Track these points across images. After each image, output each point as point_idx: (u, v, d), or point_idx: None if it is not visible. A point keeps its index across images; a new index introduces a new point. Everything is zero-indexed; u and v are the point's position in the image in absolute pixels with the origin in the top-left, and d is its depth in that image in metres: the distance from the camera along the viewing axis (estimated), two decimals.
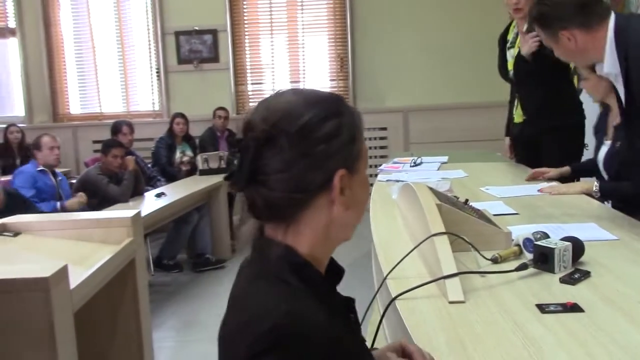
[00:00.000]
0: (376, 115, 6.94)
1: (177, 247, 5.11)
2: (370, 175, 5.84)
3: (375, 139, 6.99)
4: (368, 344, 1.44)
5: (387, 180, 2.96)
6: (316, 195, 0.92)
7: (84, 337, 2.05)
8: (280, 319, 0.83)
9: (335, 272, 1.02)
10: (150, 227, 4.40)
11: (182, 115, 5.90)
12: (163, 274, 5.01)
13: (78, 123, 7.11)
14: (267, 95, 0.98)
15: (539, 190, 2.55)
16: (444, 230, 1.59)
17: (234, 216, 6.20)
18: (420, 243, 1.60)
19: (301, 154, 0.90)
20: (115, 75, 7.17)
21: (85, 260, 1.87)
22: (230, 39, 6.99)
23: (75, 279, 1.66)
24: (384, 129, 6.97)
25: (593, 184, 2.44)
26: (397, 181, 2.85)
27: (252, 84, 7.24)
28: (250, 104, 7.23)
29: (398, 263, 1.57)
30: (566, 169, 2.83)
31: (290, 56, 7.17)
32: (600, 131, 2.86)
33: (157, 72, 7.05)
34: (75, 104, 7.30)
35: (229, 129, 6.34)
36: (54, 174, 4.65)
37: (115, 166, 4.65)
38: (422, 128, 6.92)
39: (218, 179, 5.34)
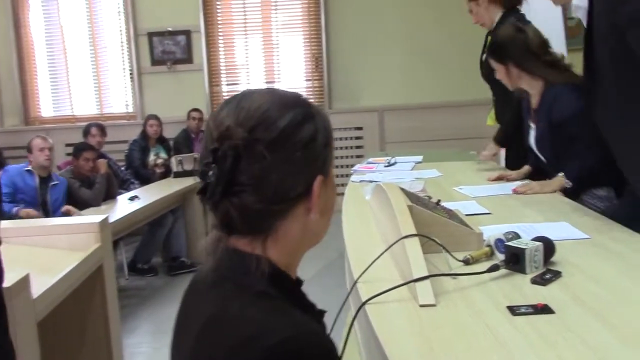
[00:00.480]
0: (351, 115, 6.93)
1: (152, 250, 5.05)
2: (345, 176, 5.84)
3: (350, 138, 6.97)
4: (339, 350, 1.43)
5: (361, 181, 2.94)
6: (296, 204, 0.89)
7: (50, 345, 2.00)
8: (288, 332, 0.79)
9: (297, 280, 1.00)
10: (123, 230, 4.34)
11: (156, 117, 5.83)
12: (137, 278, 4.95)
13: (50, 126, 6.99)
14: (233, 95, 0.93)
15: (512, 190, 2.54)
16: (414, 232, 1.57)
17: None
18: (391, 246, 1.58)
19: (281, 161, 0.86)
20: (87, 77, 7.08)
21: (50, 268, 1.82)
22: (204, 40, 6.94)
23: (39, 288, 1.62)
24: (360, 128, 6.97)
25: (562, 178, 2.46)
26: (371, 182, 2.83)
27: (227, 84, 7.19)
28: None
29: (368, 267, 1.55)
30: (526, 168, 2.83)
31: (265, 56, 7.14)
32: (526, 116, 2.83)
33: (130, 74, 6.97)
34: (47, 107, 7.19)
35: (204, 130, 6.28)
36: (46, 179, 4.45)
37: (87, 170, 4.58)
38: (397, 127, 6.92)
39: (192, 181, 5.29)
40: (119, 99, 7.14)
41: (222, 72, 7.13)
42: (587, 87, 2.10)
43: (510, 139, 3.16)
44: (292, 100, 0.91)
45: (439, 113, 6.83)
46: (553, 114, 2.52)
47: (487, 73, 3.57)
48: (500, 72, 2.69)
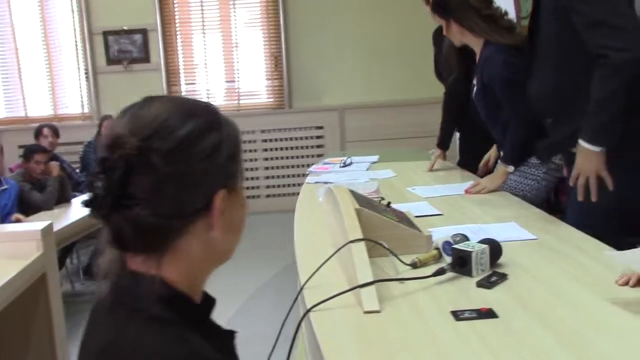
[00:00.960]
0: (312, 114, 6.90)
1: None
2: (302, 175, 5.82)
3: (311, 138, 6.95)
4: (283, 358, 1.40)
5: (316, 182, 2.92)
6: (194, 220, 0.82)
7: None
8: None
9: (207, 301, 0.94)
10: (77, 234, 4.25)
11: (112, 118, 5.71)
12: (93, 283, 4.84)
13: (2, 127, 6.78)
14: (134, 106, 0.86)
15: (465, 191, 2.54)
16: (361, 237, 1.55)
17: None
18: (337, 251, 1.56)
19: (178, 174, 0.79)
20: (41, 77, 6.89)
21: None
22: (161, 39, 6.82)
23: None
24: (320, 127, 6.94)
25: (502, 166, 2.54)
26: (325, 183, 2.81)
27: (186, 84, 7.09)
28: None
29: (313, 273, 1.52)
30: (497, 169, 2.79)
31: (224, 55, 7.05)
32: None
33: (85, 74, 6.82)
34: None
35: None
36: None
37: (39, 172, 4.46)
38: (358, 126, 6.92)
39: None
40: (74, 100, 6.98)
41: (180, 71, 7.03)
42: (527, 61, 2.19)
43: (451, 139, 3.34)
44: (196, 109, 0.86)
45: (399, 111, 6.85)
46: (483, 75, 2.56)
47: (439, 71, 3.65)
48: (444, 28, 2.70)
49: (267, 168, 7.02)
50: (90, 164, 5.51)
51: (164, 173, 0.79)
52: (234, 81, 7.06)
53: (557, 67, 2.07)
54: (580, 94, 1.95)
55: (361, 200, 1.84)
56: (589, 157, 1.92)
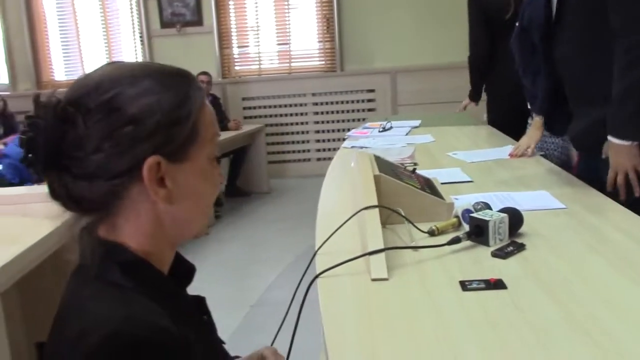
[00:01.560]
0: (364, 77, 6.83)
1: None
2: (339, 140, 5.78)
3: (362, 101, 6.88)
4: (292, 323, 1.40)
5: (352, 147, 2.89)
6: (127, 185, 0.81)
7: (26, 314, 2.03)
8: (118, 326, 0.73)
9: (185, 270, 0.94)
10: None
11: None
12: None
13: (63, 90, 6.99)
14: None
15: (509, 155, 2.50)
16: (376, 203, 1.53)
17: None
18: (350, 218, 1.54)
19: (103, 136, 0.79)
20: (98, 40, 7.06)
21: (19, 237, 1.82)
22: (214, 1, 6.85)
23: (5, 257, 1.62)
24: (372, 90, 6.87)
25: (536, 117, 2.52)
26: (362, 148, 2.78)
27: (238, 47, 7.12)
28: (236, 68, 7.12)
29: (327, 239, 1.51)
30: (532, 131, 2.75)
31: (277, 18, 7.03)
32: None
33: (140, 37, 6.93)
34: (59, 71, 7.21)
35: (213, 93, 6.24)
36: None
37: None
38: (410, 89, 6.81)
39: None
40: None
41: (232, 34, 7.05)
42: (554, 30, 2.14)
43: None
44: (143, 72, 0.83)
45: (451, 74, 6.66)
46: (524, 17, 2.50)
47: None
48: None
49: (317, 132, 7.01)
50: None
51: (90, 133, 0.79)
52: (286, 44, 7.04)
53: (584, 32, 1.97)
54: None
55: (384, 166, 1.81)
56: (620, 152, 1.81)
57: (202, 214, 0.89)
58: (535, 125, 2.53)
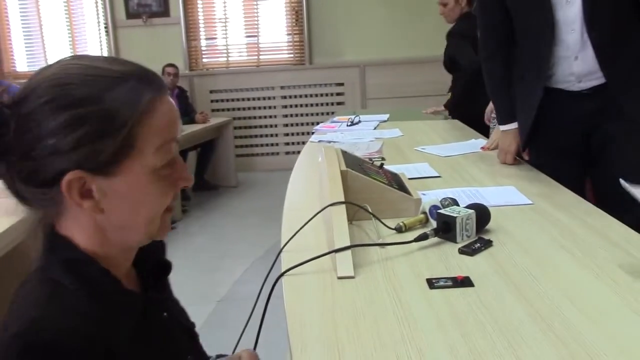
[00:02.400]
0: (333, 71, 6.81)
1: None
2: (308, 134, 5.75)
3: (331, 94, 6.86)
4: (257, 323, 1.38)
5: (320, 141, 2.86)
6: (58, 192, 0.79)
7: None
8: (24, 326, 0.73)
9: (161, 268, 0.95)
10: None
11: None
12: None
13: (24, 81, 6.83)
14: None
15: (481, 148, 2.53)
16: (343, 199, 1.51)
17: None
18: (315, 215, 1.52)
19: (29, 145, 0.77)
20: (62, 30, 6.89)
21: None
22: None
23: None
24: (341, 84, 6.85)
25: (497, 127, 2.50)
26: (329, 142, 2.76)
27: (206, 39, 7.03)
28: (204, 60, 7.04)
29: (292, 236, 1.49)
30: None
31: (245, 10, 6.95)
32: None
33: (105, 28, 6.79)
34: (21, 62, 7.03)
35: (180, 86, 6.15)
36: None
37: None
38: (379, 83, 6.81)
39: None
40: (94, 54, 6.97)
41: (200, 26, 6.96)
42: None
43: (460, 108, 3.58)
44: (84, 78, 0.79)
45: (421, 68, 6.69)
46: None
47: None
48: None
49: (286, 125, 6.97)
50: None
51: (14, 138, 0.78)
52: (254, 36, 6.97)
53: None
54: None
55: (351, 161, 1.79)
56: None
57: (145, 222, 0.85)
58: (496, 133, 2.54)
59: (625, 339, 0.99)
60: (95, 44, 6.92)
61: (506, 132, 2.26)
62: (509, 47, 2.18)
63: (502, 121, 2.28)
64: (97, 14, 6.82)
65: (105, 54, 6.87)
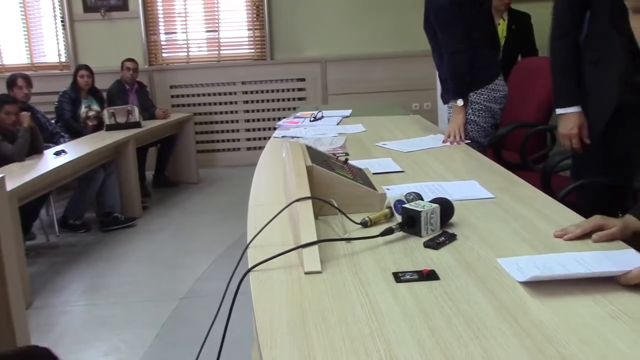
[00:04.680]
0: (294, 66, 6.80)
1: (83, 206, 4.90)
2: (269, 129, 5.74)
3: (293, 90, 6.85)
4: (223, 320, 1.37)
5: (283, 137, 2.86)
6: None
7: None
8: None
9: None
10: (50, 185, 4.20)
11: (87, 67, 5.58)
12: (69, 235, 4.82)
13: None
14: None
15: (443, 142, 2.58)
16: (308, 195, 1.51)
17: (146, 172, 6.01)
18: (282, 210, 1.52)
19: None
20: (17, 24, 6.72)
21: None
22: None
23: None
24: (302, 80, 6.84)
25: (452, 102, 2.68)
26: (293, 137, 2.76)
27: (165, 33, 6.94)
28: (164, 55, 6.95)
29: (259, 232, 1.49)
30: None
31: (205, 4, 6.89)
32: None
33: (61, 21, 6.64)
34: None
35: (139, 81, 6.07)
36: None
37: (9, 123, 4.36)
38: (341, 79, 6.83)
39: (125, 134, 5.14)
40: (51, 48, 6.82)
41: (159, 20, 6.86)
42: None
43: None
44: None
45: (383, 64, 6.74)
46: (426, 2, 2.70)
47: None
48: None
49: (247, 121, 6.94)
50: (65, 114, 5.42)
51: None
52: (214, 31, 6.91)
53: None
54: None
55: (316, 156, 1.79)
56: None
57: None
58: (456, 110, 2.62)
59: (586, 328, 1.02)
60: (51, 38, 6.77)
61: (567, 115, 2.25)
62: (580, 30, 2.18)
63: (564, 103, 2.27)
64: (54, 8, 6.66)
65: (62, 47, 6.73)
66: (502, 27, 4.33)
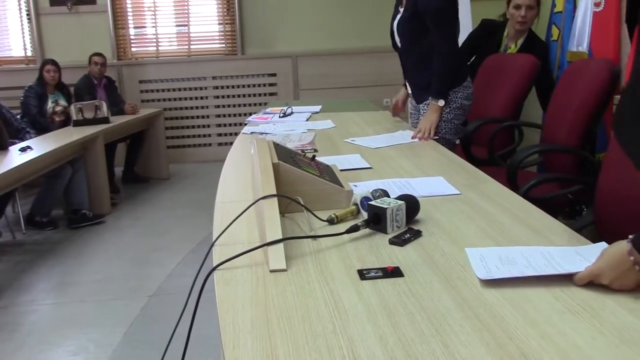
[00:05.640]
0: (265, 61, 6.77)
1: (50, 203, 4.82)
2: (240, 125, 5.71)
3: (264, 85, 6.83)
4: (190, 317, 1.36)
5: (252, 133, 2.84)
6: None
7: None
8: None
9: None
10: (15, 182, 4.12)
11: (53, 62, 5.48)
12: (35, 232, 4.74)
13: None
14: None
15: (412, 138, 2.60)
16: (274, 192, 1.51)
17: (116, 168, 5.94)
18: (247, 208, 1.51)
19: None
20: None
21: None
22: None
23: None
24: (273, 75, 6.82)
25: (433, 102, 2.69)
26: (262, 133, 2.75)
27: (134, 27, 6.85)
28: (133, 49, 6.87)
29: (224, 230, 1.48)
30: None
31: None
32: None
33: (27, 14, 6.52)
34: None
35: (108, 76, 5.98)
36: None
37: None
38: (312, 74, 6.82)
39: (94, 129, 5.06)
40: (17, 42, 6.70)
41: (128, 14, 6.77)
42: None
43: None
44: None
45: (354, 59, 6.75)
46: (418, 1, 2.69)
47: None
48: None
49: (218, 116, 6.90)
50: (31, 109, 5.32)
51: None
52: (184, 25, 6.85)
53: None
54: None
55: (283, 153, 1.79)
56: None
57: None
58: (435, 109, 2.63)
59: (546, 324, 1.03)
60: (17, 32, 6.64)
61: None
62: None
63: None
64: (19, 1, 6.54)
65: (28, 42, 6.61)
66: (510, 51, 4.13)
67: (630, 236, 1.13)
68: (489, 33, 4.21)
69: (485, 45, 4.18)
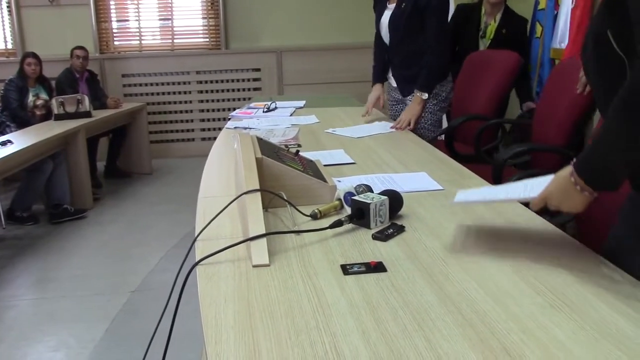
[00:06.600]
0: (249, 56, 6.74)
1: (31, 198, 4.77)
2: (224, 119, 5.69)
3: (248, 80, 6.80)
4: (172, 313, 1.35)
5: (235, 128, 2.83)
6: None
7: None
8: None
9: None
10: None
11: (34, 55, 5.41)
12: (16, 227, 4.68)
13: None
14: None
15: (391, 128, 2.64)
16: (258, 187, 1.50)
17: (98, 162, 5.90)
18: (230, 203, 1.51)
19: None
20: None
21: None
22: None
23: None
24: (258, 70, 6.79)
25: (418, 94, 2.74)
26: (245, 128, 2.74)
27: (117, 21, 6.79)
28: (115, 43, 6.80)
29: (207, 224, 1.47)
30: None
31: None
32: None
33: (7, 7, 6.43)
34: None
35: (90, 70, 5.92)
36: None
37: None
38: (297, 69, 6.80)
39: (75, 123, 5.02)
40: None
41: (111, 7, 6.71)
42: None
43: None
44: None
45: (339, 55, 6.74)
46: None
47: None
48: None
49: (202, 111, 6.86)
50: (11, 102, 5.26)
51: None
52: (168, 19, 6.80)
53: None
54: None
55: (266, 148, 1.78)
56: None
57: None
58: (417, 101, 2.66)
59: (527, 318, 1.04)
60: None
61: None
62: None
63: None
64: None
65: (9, 35, 6.53)
66: (491, 28, 4.16)
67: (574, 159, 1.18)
68: (465, 17, 4.25)
69: (465, 31, 4.20)
